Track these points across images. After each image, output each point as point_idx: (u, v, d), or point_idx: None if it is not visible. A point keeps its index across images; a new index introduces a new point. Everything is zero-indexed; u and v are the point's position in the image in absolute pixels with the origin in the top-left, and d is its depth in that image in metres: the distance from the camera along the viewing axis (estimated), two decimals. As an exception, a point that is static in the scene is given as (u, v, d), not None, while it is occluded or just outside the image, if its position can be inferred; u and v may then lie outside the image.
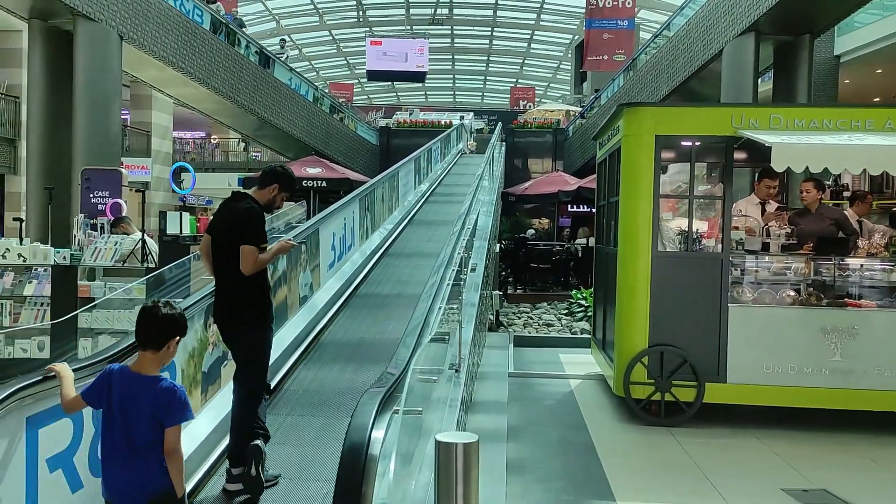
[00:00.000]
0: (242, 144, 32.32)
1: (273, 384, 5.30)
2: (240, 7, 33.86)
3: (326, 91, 34.68)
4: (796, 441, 6.08)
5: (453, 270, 5.39)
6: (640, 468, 5.57)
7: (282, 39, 29.87)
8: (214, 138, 33.84)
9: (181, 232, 7.27)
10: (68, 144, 13.64)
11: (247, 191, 4.46)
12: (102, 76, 14.03)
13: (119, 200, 9.13)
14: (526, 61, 46.92)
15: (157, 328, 3.00)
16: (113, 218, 8.26)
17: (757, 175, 7.28)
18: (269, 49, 22.17)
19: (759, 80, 15.61)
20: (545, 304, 14.46)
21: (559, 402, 7.49)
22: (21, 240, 6.87)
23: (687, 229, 6.62)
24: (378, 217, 10.64)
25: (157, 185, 26.48)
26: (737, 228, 6.60)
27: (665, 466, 5.55)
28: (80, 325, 6.58)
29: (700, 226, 6.84)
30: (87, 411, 3.21)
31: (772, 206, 7.03)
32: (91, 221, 8.66)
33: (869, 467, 5.53)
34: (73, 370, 3.03)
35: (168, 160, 29.14)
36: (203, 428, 4.41)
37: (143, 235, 6.88)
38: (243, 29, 21.00)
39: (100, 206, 9.14)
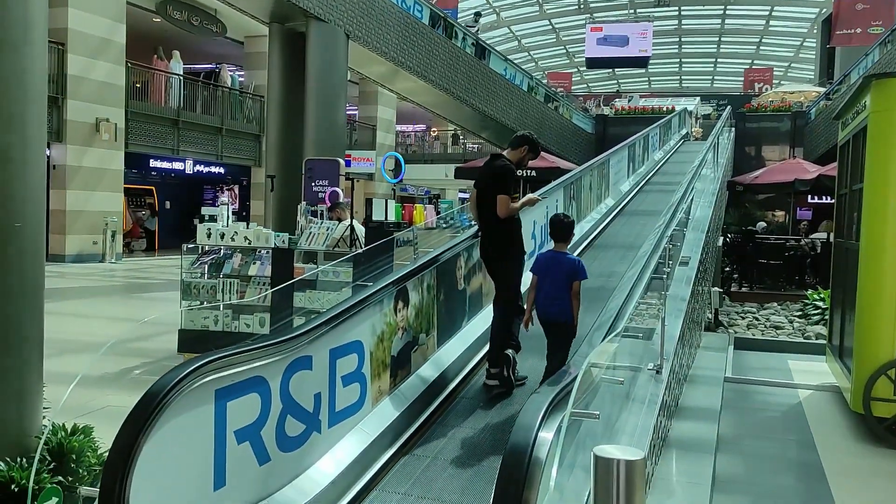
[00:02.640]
0: (454, 137, 33.19)
1: (459, 380, 5.27)
2: (462, 2, 34.85)
3: (543, 81, 34.58)
4: None
5: (656, 263, 4.95)
6: (879, 497, 4.76)
7: (476, 13, 28.82)
8: (434, 131, 35.13)
9: (386, 219, 7.48)
10: (300, 137, 14.81)
11: (502, 152, 5.49)
12: (330, 73, 15.06)
13: (337, 189, 9.65)
14: (763, 40, 43.20)
15: (563, 228, 5.14)
16: (330, 204, 8.74)
17: None
18: (475, 33, 22.34)
19: None
20: (775, 304, 13.12)
21: (783, 414, 6.70)
22: (227, 223, 7.50)
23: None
24: (585, 206, 10.24)
25: (381, 176, 28.07)
26: None
27: (912, 500, 4.70)
28: (296, 304, 7.03)
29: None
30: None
31: None
32: (311, 208, 9.27)
33: None
34: (263, 345, 3.14)
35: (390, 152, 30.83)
36: (391, 409, 4.43)
37: (351, 222, 7.16)
38: (479, 18, 20.95)
39: (320, 194, 9.73)
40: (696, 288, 8.49)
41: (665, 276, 4.98)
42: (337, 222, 7.93)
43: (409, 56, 17.55)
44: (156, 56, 20.76)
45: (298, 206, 9.63)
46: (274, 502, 3.33)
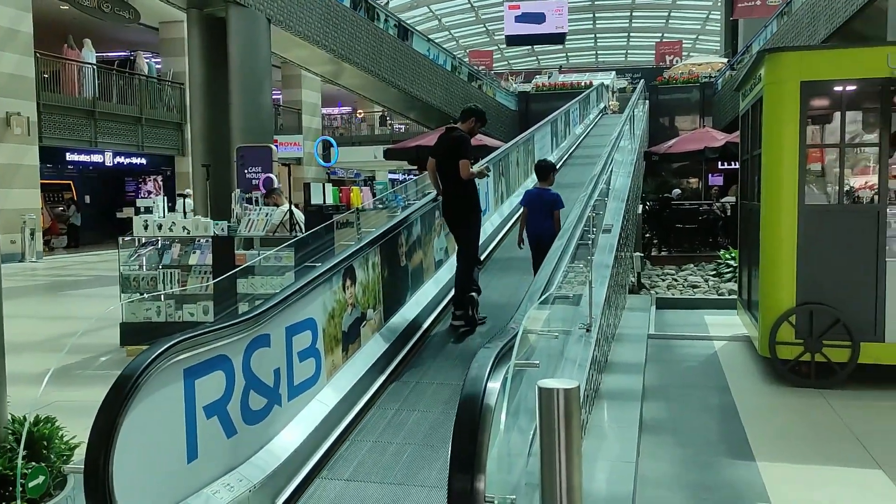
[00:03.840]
0: (381, 118, 33.20)
1: (407, 349, 5.62)
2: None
3: (465, 60, 34.84)
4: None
5: (581, 231, 5.37)
6: (785, 431, 5.36)
7: None
8: (360, 113, 35.07)
9: (325, 202, 7.70)
10: (226, 125, 14.71)
11: (455, 125, 6.38)
12: (253, 58, 14.97)
13: (271, 175, 9.76)
14: (672, 14, 44.67)
15: (545, 169, 7.18)
16: (265, 191, 8.86)
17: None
18: (400, 16, 22.43)
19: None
20: (692, 265, 13.93)
21: (701, 363, 7.30)
22: (185, 214, 7.56)
23: (848, 181, 6.19)
24: (514, 181, 10.68)
25: (310, 160, 27.92)
26: (895, 178, 6.08)
27: (814, 430, 5.30)
28: (240, 291, 7.19)
29: (859, 178, 6.37)
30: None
31: (940, 152, 6.39)
32: (246, 195, 9.36)
33: None
34: (226, 325, 3.38)
35: (318, 136, 30.66)
36: (347, 381, 4.71)
37: (290, 206, 7.34)
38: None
39: (253, 181, 9.82)
40: (620, 253, 9.02)
41: (590, 243, 5.39)
42: (274, 208, 8.10)
43: (332, 39, 17.57)
44: (66, 45, 20.07)
45: (232, 194, 9.71)
46: (243, 471, 3.59)
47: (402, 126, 33.91)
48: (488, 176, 7.68)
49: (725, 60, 30.03)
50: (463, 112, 6.43)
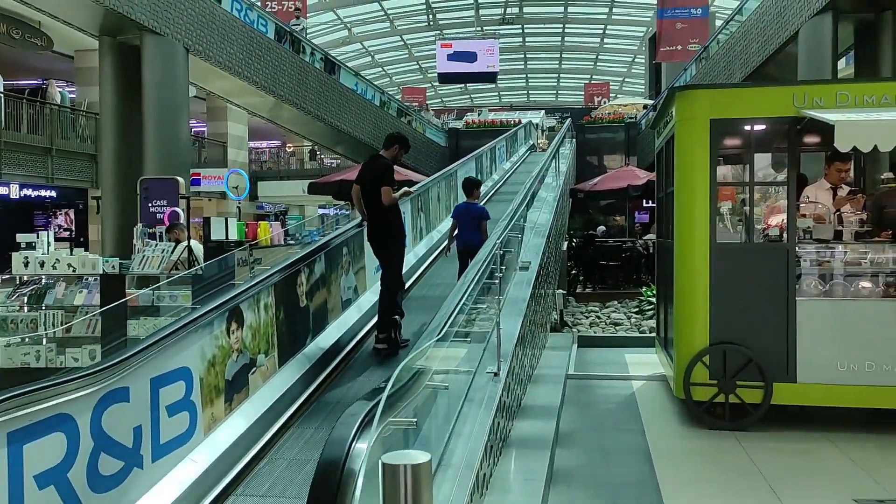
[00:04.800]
0: (311, 153, 32.75)
1: (311, 390, 5.24)
2: (312, 17, 34.56)
3: (398, 97, 34.85)
4: (875, 445, 5.52)
5: (483, 270, 5.12)
6: (697, 476, 5.16)
7: (296, 9, 26.16)
8: (290, 147, 34.53)
9: (227, 238, 7.27)
10: (139, 157, 14.08)
11: (379, 152, 6.63)
12: (170, 88, 14.44)
13: (177, 209, 9.27)
14: (600, 57, 45.95)
15: (471, 185, 8.16)
16: (168, 225, 8.38)
17: (826, 158, 6.69)
18: (333, 51, 22.25)
19: (840, 61, 14.62)
20: (615, 302, 13.95)
21: (618, 405, 7.10)
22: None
23: (758, 218, 6.16)
24: (434, 217, 10.44)
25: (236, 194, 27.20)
26: (804, 216, 6.07)
27: (726, 474, 5.13)
28: (131, 333, 6.66)
29: (774, 216, 6.34)
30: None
31: (843, 191, 6.45)
32: (149, 230, 8.84)
33: (959, 477, 4.94)
34: (65, 380, 2.95)
35: (245, 170, 29.94)
36: (228, 436, 4.30)
37: (188, 242, 6.91)
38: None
39: (158, 215, 9.31)
40: (539, 291, 8.85)
41: (499, 281, 5.15)
42: (175, 244, 7.62)
43: (255, 71, 17.18)
44: (-28, 73, 19.05)
45: (134, 229, 9.17)
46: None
47: (334, 161, 33.49)
48: (411, 194, 8.30)
49: (650, 101, 30.87)
50: (387, 139, 6.69)
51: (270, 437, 4.69)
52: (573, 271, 15.90)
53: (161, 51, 14.19)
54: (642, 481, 5.01)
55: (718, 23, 28.20)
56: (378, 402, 2.73)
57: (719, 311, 6.01)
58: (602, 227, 18.98)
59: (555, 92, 53.93)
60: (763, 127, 6.19)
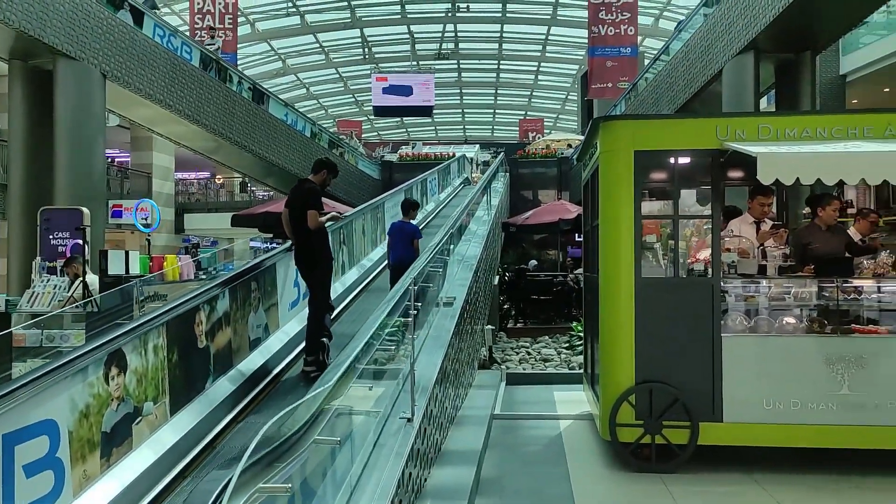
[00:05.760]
0: (242, 185, 32.01)
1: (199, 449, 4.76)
2: (245, 48, 34.06)
3: (333, 129, 34.45)
4: (804, 487, 5.36)
5: (403, 307, 4.80)
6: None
7: (209, 27, 24.61)
8: (219, 178, 33.68)
9: (127, 272, 6.75)
10: (50, 187, 13.31)
11: (308, 177, 6.83)
12: (85, 115, 13.78)
13: (79, 241, 8.67)
14: (534, 93, 46.73)
15: (407, 206, 9.22)
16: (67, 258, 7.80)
17: (749, 192, 6.65)
18: (266, 83, 21.83)
19: (762, 99, 15.05)
20: (546, 337, 13.76)
21: (544, 446, 6.81)
22: None
23: (685, 253, 6.04)
24: (358, 251, 10.08)
25: (160, 226, 26.20)
26: (728, 250, 5.97)
27: (652, 522, 4.87)
28: (16, 377, 6.04)
29: (704, 251, 6.23)
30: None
31: (766, 225, 6.40)
32: (49, 264, 8.22)
33: (887, 519, 4.81)
34: None
35: (170, 202, 28.96)
36: (105, 494, 3.81)
37: (83, 278, 6.37)
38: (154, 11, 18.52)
39: (60, 248, 8.69)
40: (466, 327, 8.55)
41: (413, 320, 4.82)
42: (73, 279, 7.06)
43: (178, 99, 16.60)
44: None
45: (33, 262, 8.53)
46: None
47: (267, 193, 32.79)
48: (341, 218, 8.36)
49: (582, 137, 31.36)
50: (315, 164, 6.88)
51: (157, 493, 4.21)
52: (505, 306, 15.70)
53: (76, 76, 13.54)
54: (564, 531, 4.71)
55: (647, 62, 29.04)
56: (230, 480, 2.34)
57: (645, 348, 5.82)
58: (534, 261, 18.93)
59: (490, 127, 54.55)
60: (687, 159, 6.11)
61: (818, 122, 5.81)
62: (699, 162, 6.10)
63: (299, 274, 7.25)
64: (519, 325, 15.09)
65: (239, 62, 27.09)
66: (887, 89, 17.94)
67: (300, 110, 28.43)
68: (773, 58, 14.50)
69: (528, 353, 11.87)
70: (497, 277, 15.22)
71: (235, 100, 19.26)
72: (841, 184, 5.73)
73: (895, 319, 5.91)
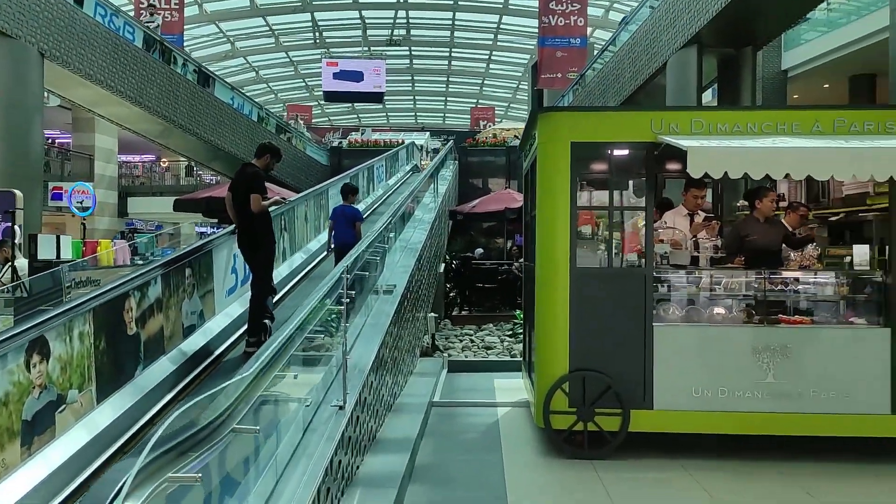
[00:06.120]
0: (188, 168, 31.37)
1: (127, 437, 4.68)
2: (192, 29, 33.25)
3: (283, 114, 33.95)
4: (729, 473, 5.55)
5: (337, 294, 4.78)
6: (552, 510, 4.99)
7: (150, 5, 23.31)
8: (164, 162, 32.94)
9: (58, 257, 6.56)
10: (-17, 168, 12.85)
11: (252, 161, 6.91)
12: (21, 95, 13.37)
13: (14, 225, 8.41)
14: (485, 82, 46.78)
15: (346, 190, 9.65)
16: (-3, 243, 7.54)
17: (684, 185, 6.81)
18: (214, 66, 21.37)
19: (706, 92, 15.37)
20: (491, 325, 13.88)
21: (481, 434, 6.89)
22: None
23: (619, 244, 6.14)
24: (300, 237, 10.00)
25: (102, 210, 25.54)
26: (661, 241, 6.10)
27: (581, 508, 4.97)
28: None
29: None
30: None
31: (699, 217, 6.56)
32: (-24, 248, 7.94)
33: (805, 503, 5.00)
34: None
35: (113, 184, 28.23)
36: (24, 484, 3.73)
37: (12, 262, 6.17)
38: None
39: (-11, 231, 8.41)
40: (407, 315, 8.57)
41: (345, 308, 4.81)
42: (3, 263, 6.84)
43: (119, 80, 16.14)
44: None
45: (-40, 247, 8.22)
46: None
47: (214, 177, 32.18)
48: (284, 202, 8.54)
49: (532, 127, 31.55)
50: (259, 148, 6.93)
51: (81, 482, 4.13)
52: (451, 293, 15.76)
53: (12, 54, 13.11)
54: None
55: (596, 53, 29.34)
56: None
57: (579, 337, 5.92)
58: (480, 250, 19.03)
59: (443, 115, 54.46)
60: (623, 151, 6.21)
61: (749, 118, 5.97)
62: (635, 154, 6.21)
63: (240, 259, 7.16)
64: (464, 312, 15.17)
65: (186, 44, 26.42)
66: (827, 85, 18.47)
67: (249, 94, 27.95)
68: (716, 52, 14.82)
69: (472, 341, 11.95)
70: (443, 265, 15.28)
71: (180, 82, 18.83)
72: (770, 177, 5.91)
73: (820, 310, 6.15)
